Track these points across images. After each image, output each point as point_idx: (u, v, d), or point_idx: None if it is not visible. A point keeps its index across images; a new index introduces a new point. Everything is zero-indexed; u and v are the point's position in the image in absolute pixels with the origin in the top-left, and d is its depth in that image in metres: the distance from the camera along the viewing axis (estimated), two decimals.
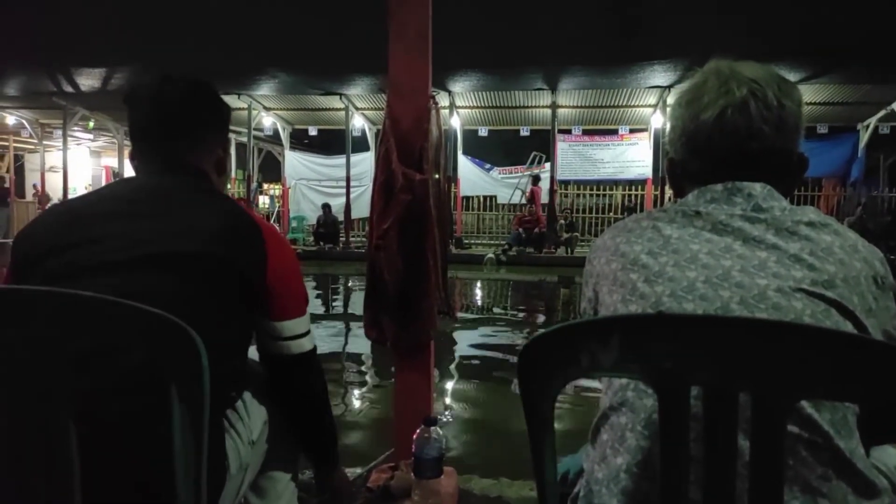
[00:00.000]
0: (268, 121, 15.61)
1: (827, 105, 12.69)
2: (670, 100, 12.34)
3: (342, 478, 1.38)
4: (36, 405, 0.76)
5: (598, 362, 0.63)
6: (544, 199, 14.02)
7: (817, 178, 14.61)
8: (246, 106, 14.43)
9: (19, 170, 19.25)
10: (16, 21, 7.68)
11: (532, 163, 15.45)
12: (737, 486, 0.61)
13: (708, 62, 0.93)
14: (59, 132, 15.67)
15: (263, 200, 18.92)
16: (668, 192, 13.58)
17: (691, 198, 0.88)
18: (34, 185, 18.38)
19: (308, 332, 1.17)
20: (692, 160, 0.92)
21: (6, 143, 18.48)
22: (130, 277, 0.94)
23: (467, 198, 15.85)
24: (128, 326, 0.75)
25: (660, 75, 10.90)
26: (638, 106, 13.85)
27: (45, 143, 17.40)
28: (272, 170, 19.33)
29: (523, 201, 14.66)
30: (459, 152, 14.89)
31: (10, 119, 16.28)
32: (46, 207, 1.17)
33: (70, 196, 11.09)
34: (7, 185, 16.87)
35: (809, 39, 7.73)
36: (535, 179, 14.21)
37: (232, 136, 17.50)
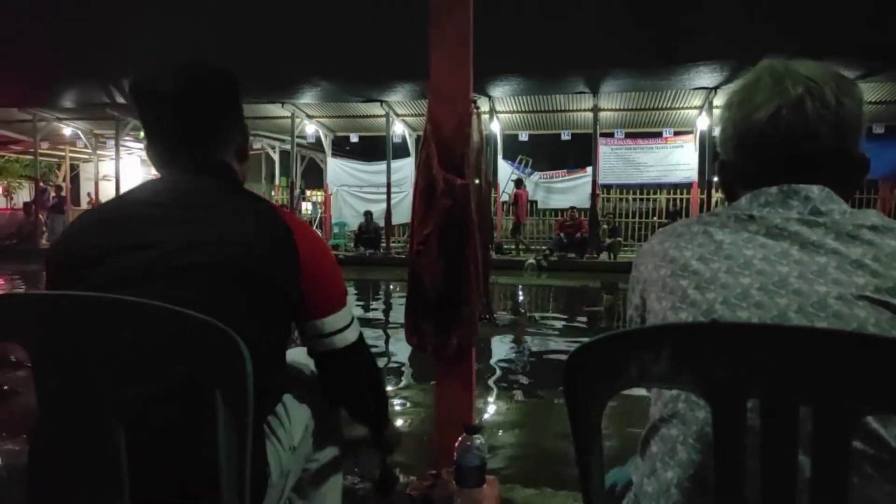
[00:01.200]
0: (310, 128, 15.87)
1: (883, 104, 12.20)
2: (717, 101, 12.06)
3: (393, 432, 1.38)
4: (86, 409, 0.78)
5: (647, 372, 0.61)
6: (582, 203, 13.87)
7: (873, 179, 14.04)
8: (289, 114, 14.71)
9: (75, 179, 20.08)
10: (70, 36, 8.00)
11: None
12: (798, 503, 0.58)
13: (761, 61, 0.90)
14: (112, 142, 16.26)
15: (306, 207, 19.23)
16: (715, 196, 13.26)
17: (744, 201, 0.85)
18: (88, 194, 19.11)
19: (351, 323, 1.15)
20: (744, 162, 0.89)
21: (63, 154, 19.30)
22: (166, 287, 0.91)
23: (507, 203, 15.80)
24: (173, 332, 0.76)
25: (705, 76, 10.66)
26: (683, 108, 13.56)
27: (98, 152, 18.08)
28: (315, 176, 19.64)
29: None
30: (499, 157, 14.85)
31: (67, 130, 16.98)
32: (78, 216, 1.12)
33: None
34: (64, 193, 17.56)
35: (863, 37, 7.45)
36: (518, 183, 14.23)
37: (276, 143, 17.95)
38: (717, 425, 0.60)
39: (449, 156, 1.70)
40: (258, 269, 0.98)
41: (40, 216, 16.09)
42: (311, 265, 1.05)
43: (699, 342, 0.60)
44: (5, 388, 3.46)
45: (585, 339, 0.64)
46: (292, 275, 1.02)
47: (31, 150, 16.72)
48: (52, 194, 17.18)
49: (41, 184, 17.22)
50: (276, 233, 1.03)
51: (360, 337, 1.18)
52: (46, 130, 16.47)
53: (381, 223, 14.34)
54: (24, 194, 19.55)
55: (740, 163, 0.89)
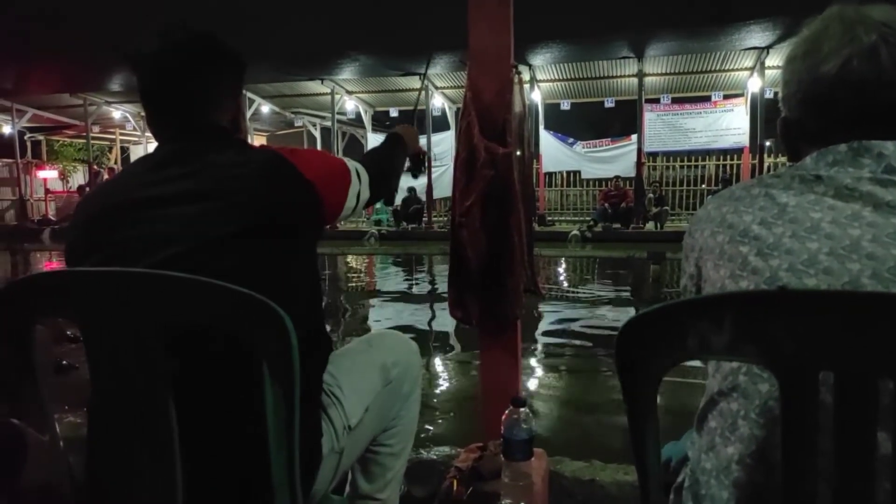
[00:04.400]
0: (350, 104, 15.92)
1: None
2: (769, 61, 11.56)
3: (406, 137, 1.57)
4: (138, 385, 0.78)
5: (707, 344, 0.57)
6: (627, 172, 13.55)
7: None
8: (329, 90, 14.77)
9: (125, 161, 20.66)
10: (116, 19, 8.16)
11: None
12: (875, 484, 0.54)
13: (828, 7, 0.82)
14: None
15: None
16: (768, 160, 12.81)
17: (809, 161, 0.79)
18: None
19: (360, 186, 1.21)
20: (810, 118, 0.82)
21: (113, 137, 19.89)
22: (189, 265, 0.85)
23: (550, 174, 15.58)
24: (219, 306, 0.75)
25: (757, 35, 10.21)
26: (733, 70, 13.05)
27: (147, 135, 18.53)
28: (356, 152, 19.69)
29: None
30: (541, 127, 14.62)
31: (116, 113, 17.47)
32: (82, 198, 1.16)
33: None
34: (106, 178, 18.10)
35: None
36: None
37: (316, 120, 18.07)
38: (785, 400, 0.56)
39: (490, 124, 1.66)
40: (273, 215, 0.97)
41: None
42: (315, 173, 1.05)
43: (766, 311, 0.55)
44: (64, 362, 3.61)
45: (634, 310, 0.60)
46: (309, 196, 1.04)
47: (83, 134, 17.28)
48: (105, 176, 17.74)
49: (95, 167, 17.79)
50: (274, 170, 1.02)
51: (371, 179, 1.26)
52: (97, 114, 16.97)
53: (424, 197, 14.35)
54: (78, 177, 20.24)
55: (806, 119, 0.83)
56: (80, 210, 1.05)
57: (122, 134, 19.87)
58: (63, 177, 20.36)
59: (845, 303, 0.54)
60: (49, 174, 19.59)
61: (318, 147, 18.87)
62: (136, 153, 20.29)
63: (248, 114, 15.47)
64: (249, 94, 15.18)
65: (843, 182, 0.74)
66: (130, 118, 17.83)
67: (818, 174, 0.76)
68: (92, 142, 17.54)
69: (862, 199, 0.72)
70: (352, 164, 1.23)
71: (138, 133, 18.64)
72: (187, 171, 0.99)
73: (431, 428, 3.06)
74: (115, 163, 19.67)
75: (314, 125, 18.65)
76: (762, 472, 0.68)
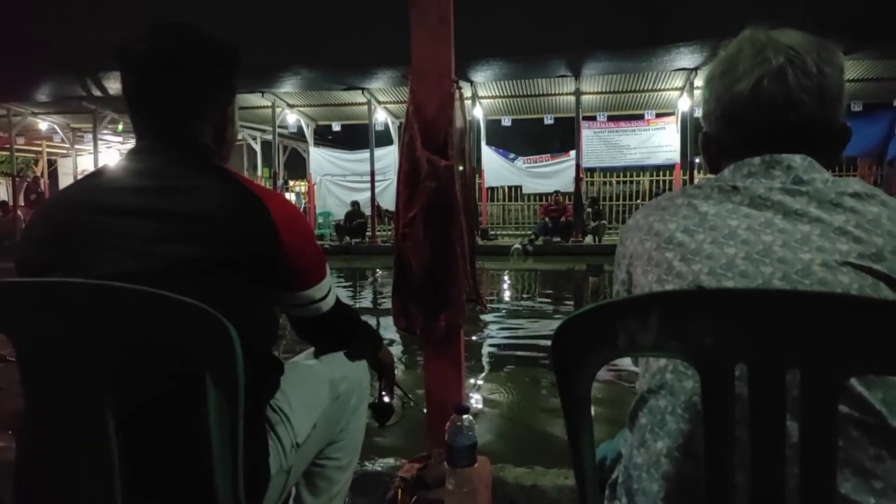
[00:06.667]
0: (292, 118, 15.72)
1: (862, 81, 12.29)
2: (698, 82, 12.09)
3: (385, 353, 1.43)
4: (75, 400, 0.77)
5: (636, 342, 0.61)
6: (566, 187, 13.90)
7: (852, 157, 14.18)
8: (270, 104, 14.55)
9: (53, 174, 19.72)
10: (46, 28, 7.84)
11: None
12: (786, 469, 0.59)
13: (742, 31, 0.90)
14: (90, 136, 16.02)
15: (290, 197, 19.10)
16: (697, 176, 13.36)
17: (727, 173, 0.85)
18: None
19: (330, 290, 1.15)
20: (727, 134, 0.89)
21: (40, 149, 18.97)
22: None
23: (492, 188, 15.79)
24: (162, 317, 0.75)
25: (686, 57, 10.70)
26: (664, 90, 13.60)
27: (76, 147, 17.81)
28: (297, 166, 19.49)
29: None
30: (483, 143, 14.82)
31: (43, 125, 16.69)
32: (37, 211, 1.04)
33: None
34: (41, 189, 17.25)
35: (843, 14, 7.50)
36: None
37: (257, 133, 17.76)
38: (705, 392, 0.60)
39: (432, 137, 1.69)
40: (230, 257, 0.93)
41: (19, 213, 15.80)
42: (292, 239, 0.99)
43: (686, 309, 0.60)
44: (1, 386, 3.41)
45: (574, 311, 0.64)
46: (273, 251, 0.97)
47: (7, 146, 16.40)
48: (30, 180, 16.91)
49: (22, 178, 16.92)
50: (247, 212, 0.96)
51: (338, 300, 1.19)
52: (22, 125, 16.15)
53: (367, 211, 14.29)
54: (0, 191, 19.17)
55: (723, 135, 0.90)
56: (44, 220, 0.98)
57: (49, 146, 18.98)
58: None
59: (754, 300, 0.59)
60: None
61: (259, 160, 18.56)
62: (65, 166, 19.38)
63: None
64: None
65: (757, 192, 0.80)
66: (59, 130, 17.06)
67: (735, 185, 0.82)
68: (16, 154, 16.66)
69: (773, 208, 0.78)
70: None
71: (67, 145, 17.85)
72: (162, 187, 0.95)
73: (376, 440, 3.04)
74: (42, 175, 18.73)
75: (254, 139, 18.33)
76: (689, 464, 0.73)
